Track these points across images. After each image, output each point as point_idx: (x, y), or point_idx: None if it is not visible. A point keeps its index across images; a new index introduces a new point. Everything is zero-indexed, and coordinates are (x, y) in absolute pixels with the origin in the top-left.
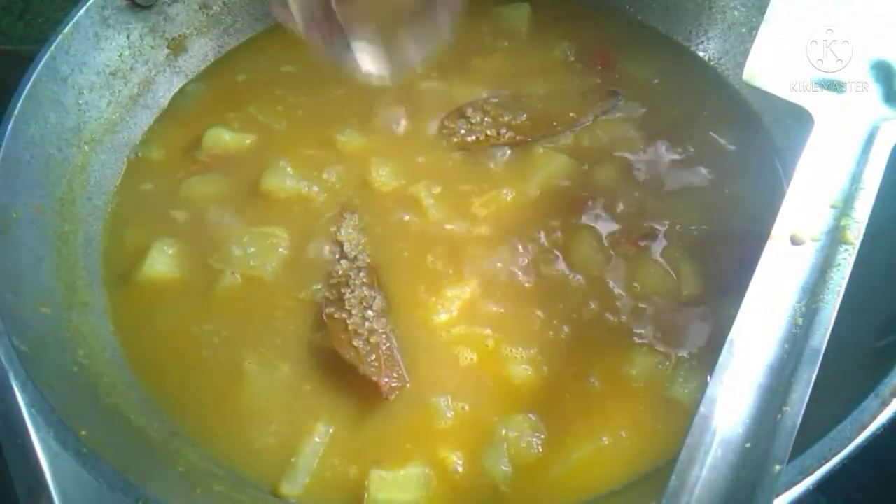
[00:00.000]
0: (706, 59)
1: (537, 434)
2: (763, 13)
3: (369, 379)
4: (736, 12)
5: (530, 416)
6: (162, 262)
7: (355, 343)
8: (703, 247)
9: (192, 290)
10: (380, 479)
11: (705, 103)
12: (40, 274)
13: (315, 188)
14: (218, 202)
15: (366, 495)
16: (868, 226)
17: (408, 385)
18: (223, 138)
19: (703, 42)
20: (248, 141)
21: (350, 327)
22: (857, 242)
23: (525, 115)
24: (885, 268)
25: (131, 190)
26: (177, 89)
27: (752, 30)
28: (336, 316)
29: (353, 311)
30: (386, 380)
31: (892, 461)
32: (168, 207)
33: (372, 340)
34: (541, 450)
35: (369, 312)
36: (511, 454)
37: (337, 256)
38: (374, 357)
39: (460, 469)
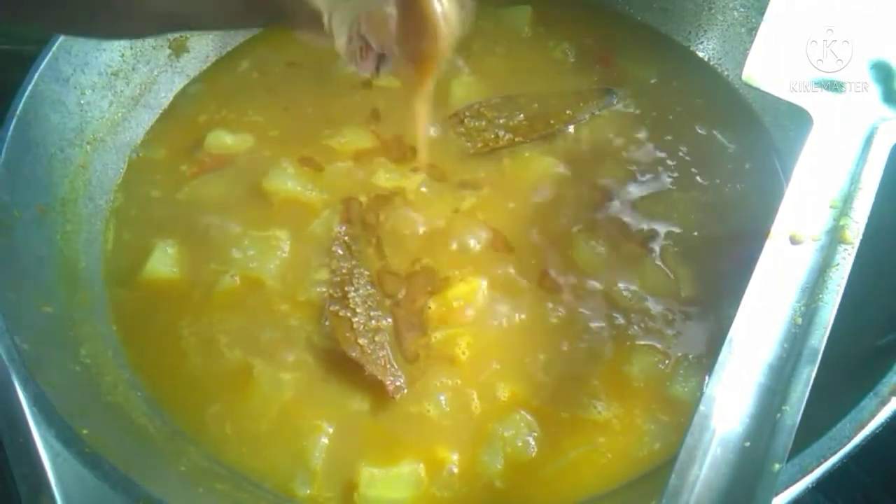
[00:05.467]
0: (706, 58)
1: (534, 433)
2: (763, 13)
3: (374, 378)
4: (736, 12)
5: (527, 415)
6: (163, 263)
7: (361, 342)
8: (702, 247)
9: (194, 290)
10: (371, 476)
11: (705, 103)
12: (42, 273)
13: (316, 189)
14: (219, 203)
15: (356, 493)
16: (868, 225)
17: (405, 390)
18: (224, 139)
19: (702, 42)
20: (249, 142)
21: (355, 326)
22: (857, 242)
23: (521, 115)
24: (885, 268)
25: (133, 190)
26: (178, 89)
27: (752, 30)
28: (341, 314)
29: (358, 310)
30: (391, 379)
31: (892, 461)
32: (170, 208)
33: (377, 339)
34: (537, 449)
35: (373, 311)
36: (507, 453)
37: (340, 253)
38: (381, 355)
39: (455, 468)
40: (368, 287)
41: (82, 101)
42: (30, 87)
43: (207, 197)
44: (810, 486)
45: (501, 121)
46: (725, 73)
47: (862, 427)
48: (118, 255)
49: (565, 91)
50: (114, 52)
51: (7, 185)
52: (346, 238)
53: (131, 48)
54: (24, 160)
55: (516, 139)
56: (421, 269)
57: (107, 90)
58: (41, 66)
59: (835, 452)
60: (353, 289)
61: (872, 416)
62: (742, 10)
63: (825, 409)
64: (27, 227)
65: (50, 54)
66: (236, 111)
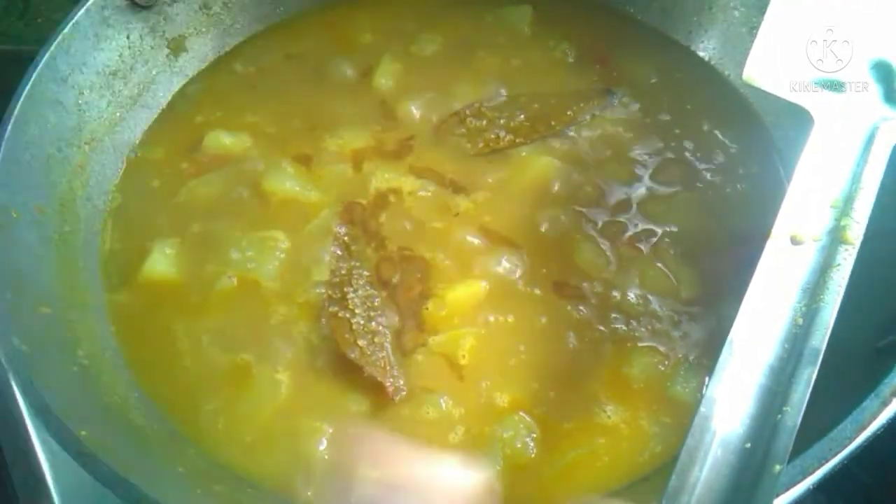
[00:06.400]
0: (706, 58)
1: (533, 434)
2: (763, 13)
3: (374, 379)
4: (736, 12)
5: (526, 416)
6: (162, 263)
7: (360, 343)
8: (702, 247)
9: (192, 291)
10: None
11: (705, 103)
12: (40, 274)
13: (315, 189)
14: (217, 203)
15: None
16: (868, 226)
17: (404, 391)
18: (223, 139)
19: (703, 41)
20: (247, 142)
21: (354, 327)
22: (858, 242)
23: (522, 116)
24: (885, 268)
25: (131, 190)
26: (177, 89)
27: (752, 30)
28: (340, 315)
29: (357, 311)
30: (391, 380)
31: (892, 461)
32: (168, 208)
33: (376, 341)
34: (536, 450)
35: (373, 312)
36: (506, 454)
37: (339, 253)
38: (380, 356)
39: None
40: (368, 288)
41: (80, 101)
42: (28, 87)
43: (206, 197)
44: (811, 487)
45: (502, 121)
46: (726, 72)
47: (863, 428)
48: (116, 255)
49: (566, 91)
50: (112, 51)
51: (5, 185)
52: (345, 238)
53: (129, 48)
54: (22, 160)
55: (517, 140)
56: (413, 255)
57: (105, 90)
58: (39, 66)
59: (836, 454)
60: (352, 290)
61: (874, 417)
62: (742, 9)
63: (826, 411)
64: (25, 228)
65: (48, 54)
66: (235, 111)
